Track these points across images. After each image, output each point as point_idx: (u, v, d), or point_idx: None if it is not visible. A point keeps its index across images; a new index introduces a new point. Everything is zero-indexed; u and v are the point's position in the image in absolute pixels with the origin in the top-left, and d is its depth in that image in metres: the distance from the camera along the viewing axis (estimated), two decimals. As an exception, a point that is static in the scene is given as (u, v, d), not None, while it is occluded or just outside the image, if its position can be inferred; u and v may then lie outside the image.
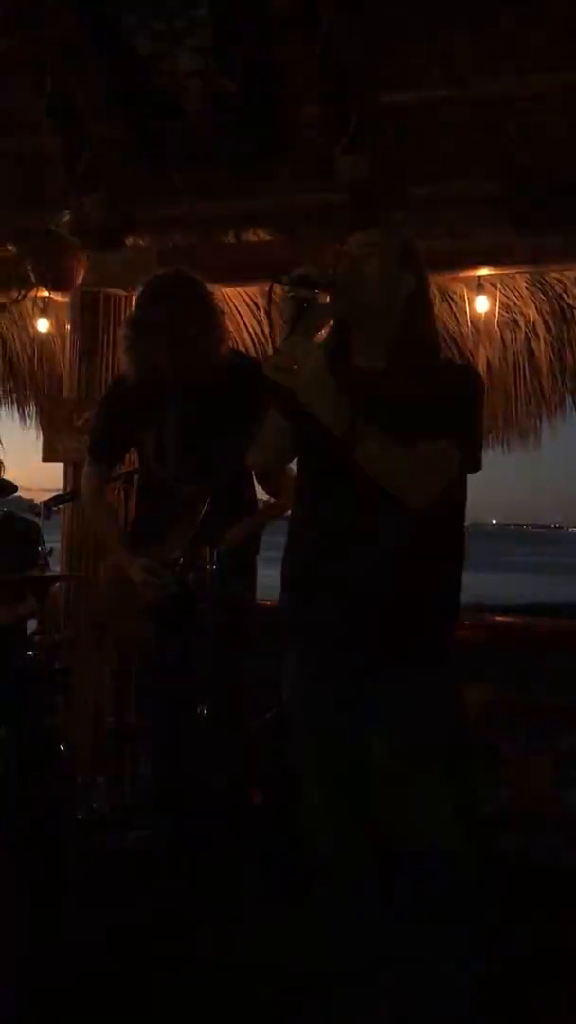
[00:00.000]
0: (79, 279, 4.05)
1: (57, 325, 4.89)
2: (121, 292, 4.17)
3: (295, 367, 1.95)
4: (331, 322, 2.22)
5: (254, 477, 2.96)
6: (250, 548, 3.03)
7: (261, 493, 3.10)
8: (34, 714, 3.50)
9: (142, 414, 3.01)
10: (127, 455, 3.26)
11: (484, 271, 3.95)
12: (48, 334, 4.98)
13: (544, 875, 3.25)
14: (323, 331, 2.24)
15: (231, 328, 4.58)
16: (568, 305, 4.30)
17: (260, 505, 3.09)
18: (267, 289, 2.10)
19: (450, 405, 2.13)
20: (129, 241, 4.38)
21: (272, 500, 3.02)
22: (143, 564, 2.95)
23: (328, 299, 2.07)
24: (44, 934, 2.88)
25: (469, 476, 2.28)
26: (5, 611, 3.86)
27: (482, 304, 4.15)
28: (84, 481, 3.22)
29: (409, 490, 2.04)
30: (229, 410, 2.78)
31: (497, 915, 2.33)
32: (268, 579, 2.65)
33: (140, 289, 3.01)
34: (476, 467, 2.19)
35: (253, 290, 4.43)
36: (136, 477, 3.28)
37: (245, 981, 2.67)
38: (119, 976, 2.69)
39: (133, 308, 3.04)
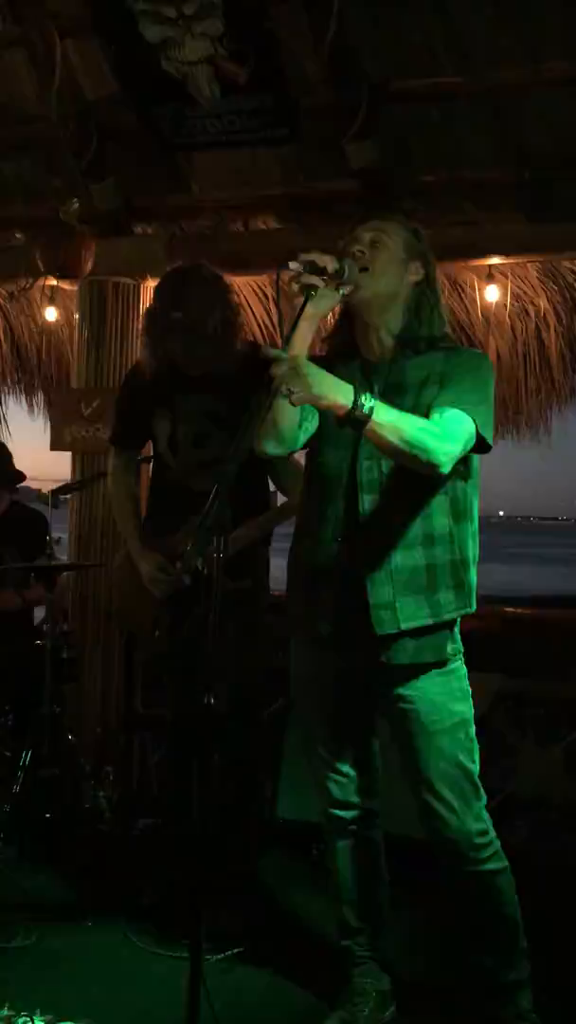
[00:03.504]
0: (87, 267, 4.04)
1: (65, 314, 4.87)
2: (129, 280, 4.16)
3: (287, 388, 1.90)
4: (337, 310, 2.21)
5: (267, 474, 2.96)
6: (262, 540, 3.02)
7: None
8: (43, 703, 3.50)
9: (156, 404, 3.01)
10: (146, 443, 3.25)
11: (495, 260, 3.93)
12: (56, 323, 4.97)
13: (551, 866, 3.24)
14: (329, 317, 2.23)
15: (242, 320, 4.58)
16: (579, 294, 4.28)
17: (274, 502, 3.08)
18: (275, 277, 2.08)
19: (459, 385, 2.11)
20: (137, 229, 4.37)
21: (285, 501, 3.01)
22: (153, 559, 2.96)
23: (335, 286, 2.05)
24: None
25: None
26: (10, 596, 3.85)
27: (492, 293, 4.13)
28: (109, 471, 3.23)
29: (428, 455, 1.99)
30: (243, 402, 2.77)
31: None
32: (278, 570, 2.64)
33: (159, 281, 3.01)
34: (486, 447, 2.17)
35: (262, 279, 4.41)
36: (150, 466, 3.27)
37: (254, 964, 2.68)
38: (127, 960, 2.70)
39: (152, 300, 3.04)
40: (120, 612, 3.43)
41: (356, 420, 1.93)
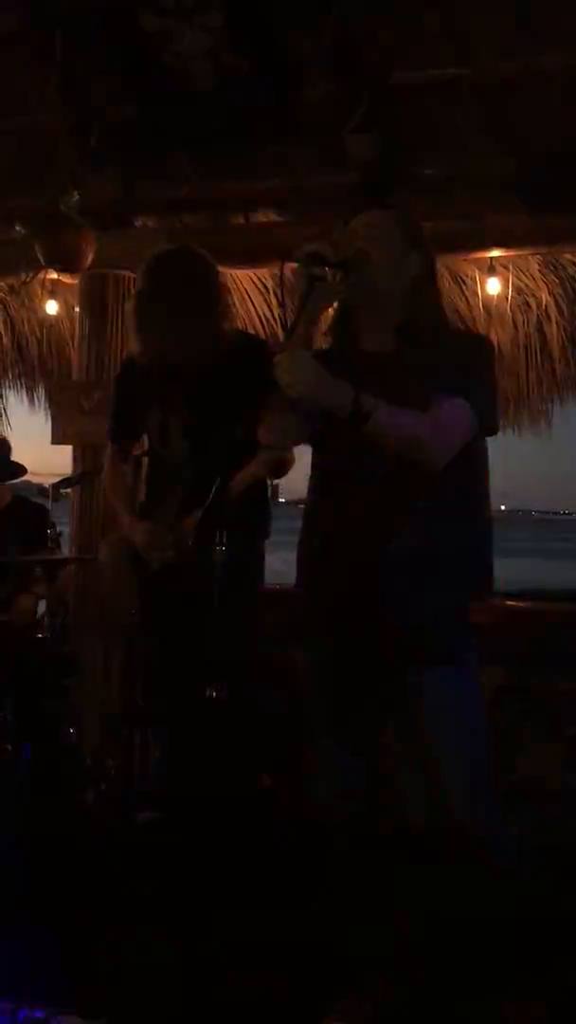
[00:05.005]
0: (88, 261, 4.03)
1: (66, 307, 4.87)
2: (130, 273, 4.15)
3: (288, 381, 1.92)
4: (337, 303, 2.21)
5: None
6: (260, 532, 3.02)
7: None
8: (43, 697, 3.51)
9: (148, 396, 3.01)
10: (143, 435, 3.26)
11: (496, 253, 3.92)
12: (57, 316, 4.97)
13: (552, 860, 3.25)
14: (330, 310, 2.23)
15: (241, 310, 4.57)
16: (581, 287, 4.27)
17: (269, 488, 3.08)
18: (277, 271, 2.09)
19: (460, 371, 2.11)
20: (138, 222, 4.36)
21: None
22: (144, 527, 2.96)
23: (338, 278, 2.05)
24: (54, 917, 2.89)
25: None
26: (28, 600, 3.84)
27: (494, 286, 4.12)
28: (105, 461, 3.24)
29: (423, 451, 2.01)
30: (233, 391, 2.77)
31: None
32: (283, 564, 2.64)
33: (144, 265, 3.00)
34: (492, 429, 2.17)
35: (263, 272, 4.41)
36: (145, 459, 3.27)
37: (250, 962, 2.68)
38: (127, 957, 2.70)
39: (137, 285, 3.03)
40: (106, 601, 3.45)
41: (355, 421, 1.95)
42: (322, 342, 2.30)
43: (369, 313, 2.20)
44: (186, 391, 2.94)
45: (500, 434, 2.32)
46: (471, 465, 2.19)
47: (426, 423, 2.03)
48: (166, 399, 2.97)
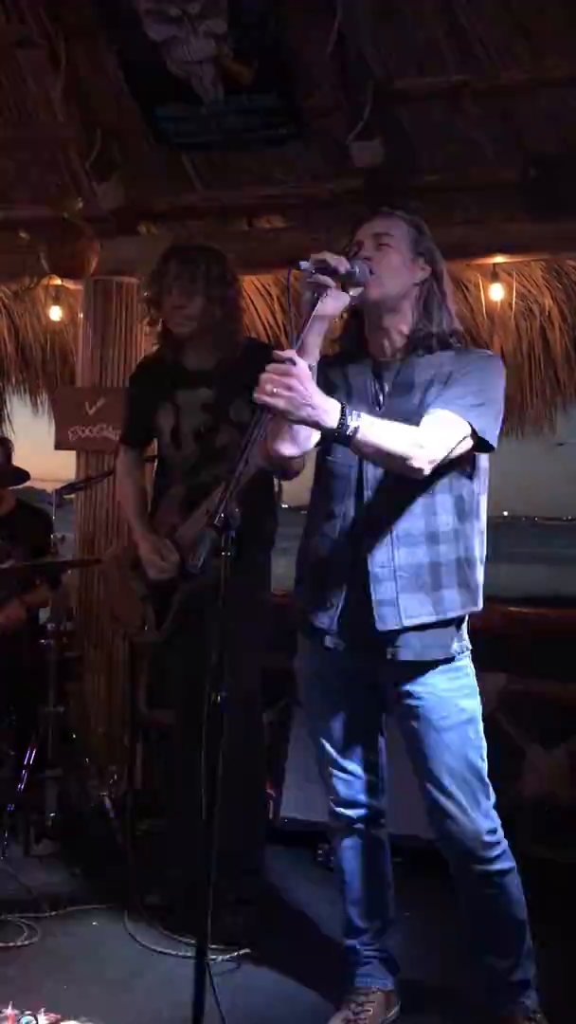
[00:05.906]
0: (92, 267, 4.04)
1: (70, 313, 4.88)
2: (134, 280, 4.16)
3: (274, 394, 1.92)
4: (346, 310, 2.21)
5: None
6: (265, 539, 3.02)
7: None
8: (47, 702, 3.51)
9: (160, 399, 3.03)
10: (152, 440, 3.27)
11: (499, 259, 3.92)
12: (61, 322, 4.97)
13: (556, 867, 3.24)
14: (339, 319, 2.23)
15: (245, 317, 4.57)
16: (584, 293, 4.26)
17: (276, 487, 3.08)
18: (283, 277, 2.09)
19: (464, 386, 2.12)
20: (143, 228, 4.37)
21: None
22: (150, 540, 2.98)
23: (346, 287, 2.05)
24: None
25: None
26: (14, 610, 3.82)
27: (497, 292, 4.12)
28: (116, 466, 3.26)
29: (406, 465, 2.02)
30: (245, 395, 2.78)
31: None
32: (284, 569, 2.64)
33: (158, 259, 3.00)
34: (487, 447, 2.16)
35: (267, 278, 4.41)
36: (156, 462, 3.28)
37: (259, 963, 2.68)
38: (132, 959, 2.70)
39: (160, 264, 3.00)
40: (107, 605, 3.45)
41: (338, 440, 1.97)
42: (331, 348, 2.30)
43: (377, 320, 2.21)
44: (199, 395, 2.96)
45: (504, 440, 2.32)
46: (468, 477, 2.20)
47: (414, 436, 2.03)
48: (179, 403, 2.99)
